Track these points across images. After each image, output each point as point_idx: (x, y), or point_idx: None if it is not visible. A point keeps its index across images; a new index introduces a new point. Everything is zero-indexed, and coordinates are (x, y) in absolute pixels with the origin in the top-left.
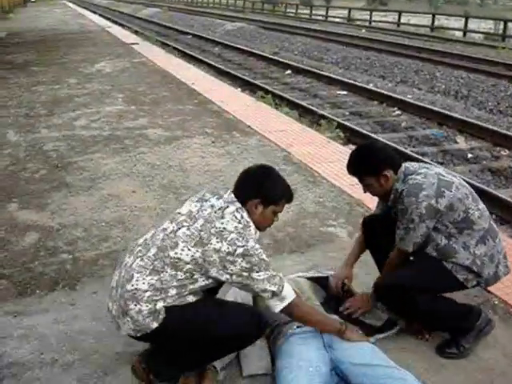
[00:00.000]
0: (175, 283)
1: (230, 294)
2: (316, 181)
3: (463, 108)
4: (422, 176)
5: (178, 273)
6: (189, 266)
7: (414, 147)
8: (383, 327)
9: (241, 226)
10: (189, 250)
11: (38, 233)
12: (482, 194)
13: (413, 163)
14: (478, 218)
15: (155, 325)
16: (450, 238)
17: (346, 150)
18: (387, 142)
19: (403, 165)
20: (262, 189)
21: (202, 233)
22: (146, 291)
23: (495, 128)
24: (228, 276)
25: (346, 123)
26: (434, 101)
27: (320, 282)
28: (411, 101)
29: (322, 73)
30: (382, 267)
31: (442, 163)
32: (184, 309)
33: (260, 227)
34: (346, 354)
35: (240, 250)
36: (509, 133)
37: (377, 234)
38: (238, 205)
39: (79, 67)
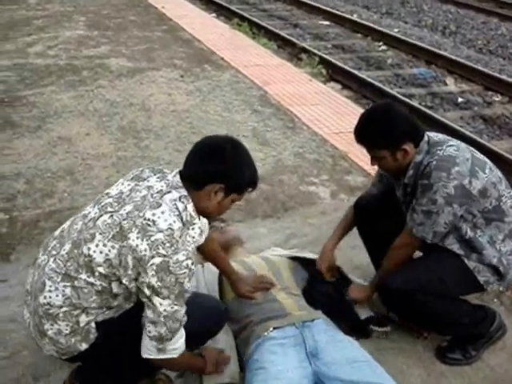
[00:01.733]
0: (94, 297)
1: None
2: (296, 127)
3: (452, 46)
4: (455, 148)
5: (95, 280)
6: (101, 270)
7: (400, 87)
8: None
9: (178, 225)
10: (104, 245)
11: None
12: (475, 146)
13: (435, 133)
14: (510, 208)
15: (84, 346)
16: (476, 231)
17: (329, 91)
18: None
19: (425, 134)
20: (229, 171)
21: (125, 222)
22: (61, 307)
23: (487, 70)
24: (135, 289)
25: (329, 58)
26: (421, 36)
27: (301, 262)
28: (398, 35)
29: None
30: (377, 259)
31: (431, 107)
32: (120, 321)
33: (210, 216)
34: (334, 367)
35: (157, 260)
36: (501, 76)
37: (374, 221)
38: (184, 192)
39: None
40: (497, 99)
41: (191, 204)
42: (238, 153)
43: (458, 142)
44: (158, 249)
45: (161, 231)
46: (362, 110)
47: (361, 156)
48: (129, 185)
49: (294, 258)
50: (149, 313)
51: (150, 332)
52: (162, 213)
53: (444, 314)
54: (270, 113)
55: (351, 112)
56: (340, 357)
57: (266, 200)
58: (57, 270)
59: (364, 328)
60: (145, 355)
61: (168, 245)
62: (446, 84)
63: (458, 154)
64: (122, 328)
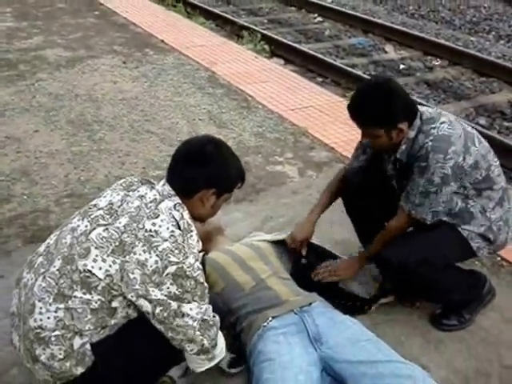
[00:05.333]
0: (89, 316)
1: None
2: (250, 106)
3: (385, 13)
4: (448, 126)
5: (92, 296)
6: (103, 285)
7: (342, 58)
8: (372, 299)
9: (178, 231)
10: (103, 260)
11: None
12: None
13: (426, 108)
14: (498, 176)
15: (80, 370)
16: (468, 202)
17: (276, 67)
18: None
19: None
20: (217, 175)
21: (125, 235)
22: (54, 330)
23: (424, 35)
24: (149, 307)
25: (270, 34)
26: (354, 6)
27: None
28: (331, 5)
29: None
30: (364, 233)
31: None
32: (117, 340)
33: (204, 220)
34: (340, 349)
35: (172, 269)
36: (439, 41)
37: (361, 195)
38: (177, 199)
39: None
40: (437, 63)
41: (187, 212)
42: (222, 152)
43: (448, 115)
44: (169, 257)
45: (166, 240)
46: (311, 84)
47: (321, 131)
48: (118, 194)
49: (276, 242)
50: (179, 336)
51: (192, 350)
52: (162, 221)
53: (442, 283)
54: (221, 93)
55: (302, 87)
56: (343, 338)
57: None
58: (48, 289)
59: (362, 305)
60: (198, 370)
61: (177, 251)
62: (385, 52)
63: (451, 131)
64: (121, 343)
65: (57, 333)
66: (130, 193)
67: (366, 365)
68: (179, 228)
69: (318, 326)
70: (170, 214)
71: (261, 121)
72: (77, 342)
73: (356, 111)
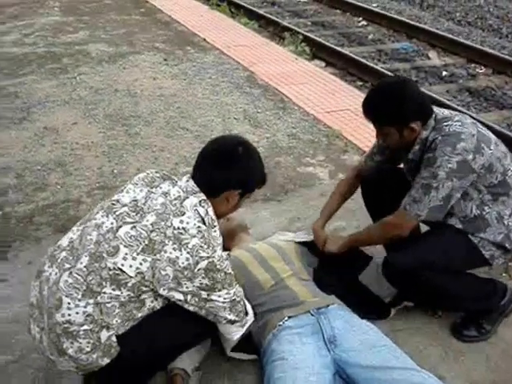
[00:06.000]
0: (118, 310)
1: None
2: (286, 107)
3: (432, 19)
4: (460, 124)
5: (121, 292)
6: (133, 282)
7: (384, 63)
8: (393, 302)
9: (204, 227)
10: (133, 258)
11: None
12: None
13: (440, 108)
14: None
15: (106, 361)
16: (483, 208)
17: (315, 69)
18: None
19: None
20: (245, 177)
21: (154, 234)
22: (82, 325)
23: (469, 43)
24: (181, 296)
25: (312, 36)
26: (400, 10)
27: (308, 247)
28: (377, 10)
29: None
30: None
31: (416, 81)
32: (140, 330)
33: (223, 215)
34: (354, 353)
35: (203, 264)
36: (484, 48)
37: (382, 194)
38: (202, 196)
39: None
40: (481, 71)
41: (211, 208)
42: (251, 155)
43: (465, 116)
44: (200, 253)
45: (194, 236)
46: (350, 87)
47: (355, 135)
48: (141, 191)
49: (301, 243)
50: (211, 311)
51: (225, 322)
52: (189, 218)
53: (451, 290)
54: (258, 93)
55: (340, 90)
56: (358, 342)
57: None
58: (76, 286)
59: (385, 308)
60: (235, 338)
61: (205, 246)
62: (428, 58)
63: (463, 129)
64: (144, 333)
65: (85, 327)
66: (154, 189)
67: (380, 370)
68: (204, 224)
69: (334, 329)
70: (196, 210)
71: (295, 122)
72: (104, 334)
73: (369, 109)
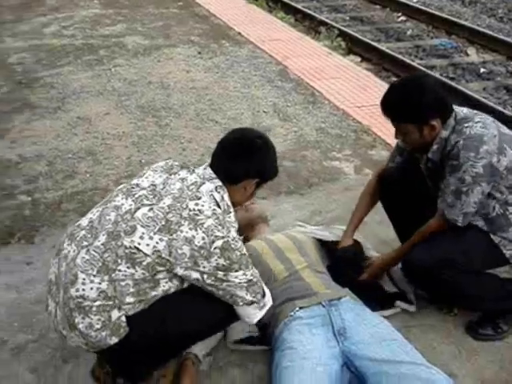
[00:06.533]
0: (132, 289)
1: None
2: (317, 101)
3: (472, 15)
4: (481, 125)
5: (136, 270)
6: (149, 260)
7: (421, 59)
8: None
9: (220, 210)
10: (150, 238)
11: None
12: (500, 117)
13: (461, 108)
14: None
15: (114, 340)
16: (507, 208)
17: (349, 64)
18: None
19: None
20: (263, 167)
21: (170, 215)
22: (95, 300)
23: (509, 40)
24: (198, 275)
25: (348, 31)
26: (440, 6)
27: (326, 245)
28: (417, 5)
29: None
30: (404, 233)
31: (452, 78)
32: (151, 313)
33: (239, 204)
34: (363, 346)
35: (219, 243)
36: None
37: (399, 195)
38: (218, 182)
39: None
40: None
41: (227, 194)
42: (269, 148)
43: (485, 116)
44: (215, 232)
45: (209, 217)
46: (383, 83)
47: (384, 130)
48: (160, 176)
49: (318, 240)
50: (230, 292)
51: (242, 303)
52: (204, 202)
53: (471, 289)
54: (290, 88)
55: (372, 85)
56: (368, 335)
57: (289, 176)
58: (92, 262)
59: (389, 302)
60: (254, 320)
61: (220, 227)
62: (467, 54)
63: (484, 131)
64: (153, 316)
65: (98, 303)
66: (172, 176)
67: (389, 364)
68: (220, 208)
69: (345, 321)
70: (211, 195)
71: (325, 116)
72: (115, 314)
73: (387, 107)
